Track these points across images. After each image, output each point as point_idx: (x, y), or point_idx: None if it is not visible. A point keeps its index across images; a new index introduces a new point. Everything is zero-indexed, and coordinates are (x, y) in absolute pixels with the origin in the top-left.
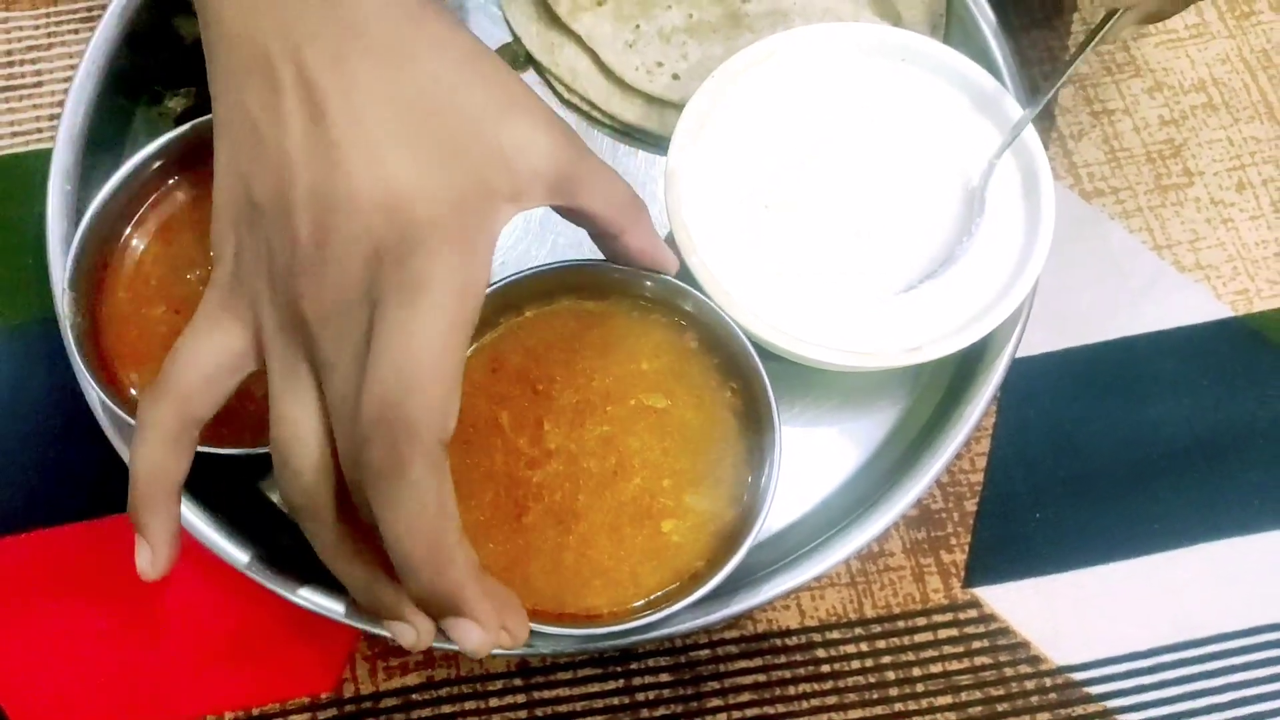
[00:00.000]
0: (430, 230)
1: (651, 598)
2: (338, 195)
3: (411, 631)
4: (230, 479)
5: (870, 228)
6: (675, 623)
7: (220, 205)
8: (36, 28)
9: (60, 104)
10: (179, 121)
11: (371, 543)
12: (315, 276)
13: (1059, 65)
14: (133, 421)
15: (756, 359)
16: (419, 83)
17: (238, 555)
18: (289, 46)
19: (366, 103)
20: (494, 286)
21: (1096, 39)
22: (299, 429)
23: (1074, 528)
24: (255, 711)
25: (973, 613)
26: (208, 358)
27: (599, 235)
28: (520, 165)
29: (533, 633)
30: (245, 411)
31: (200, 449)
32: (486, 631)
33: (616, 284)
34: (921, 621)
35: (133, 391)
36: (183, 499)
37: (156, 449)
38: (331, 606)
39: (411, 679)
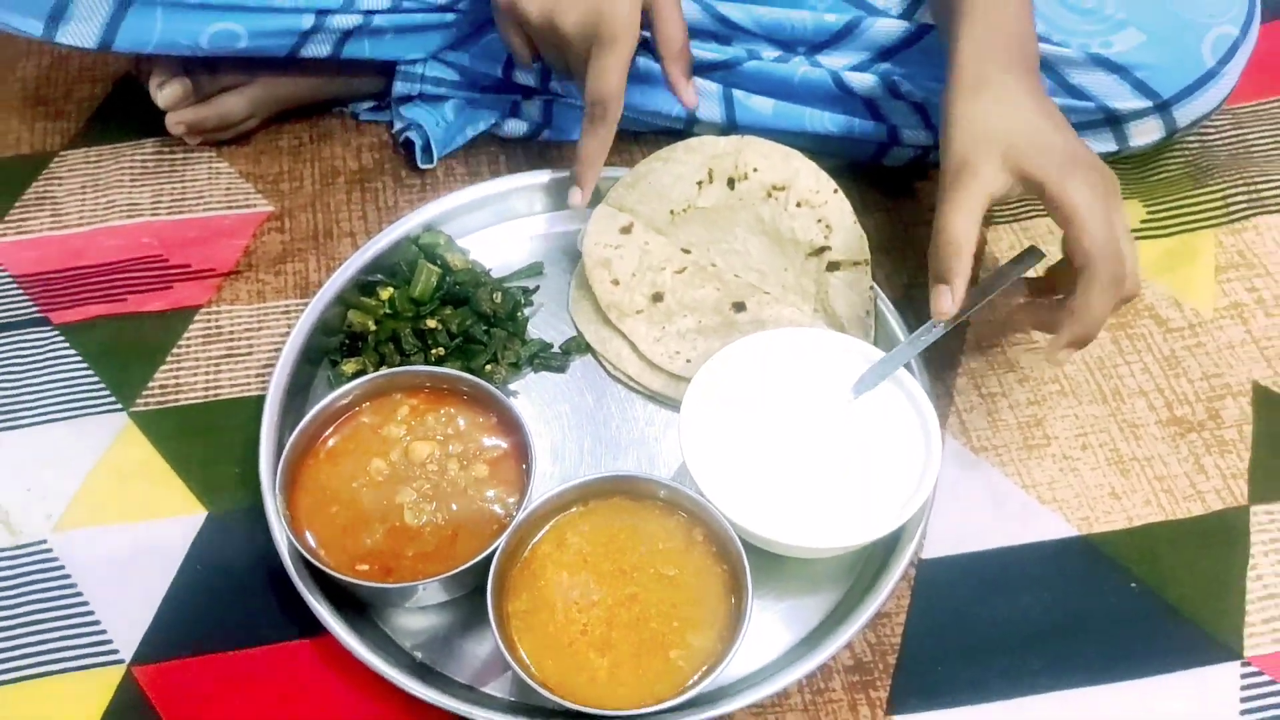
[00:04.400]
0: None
1: (660, 702)
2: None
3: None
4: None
5: (818, 457)
6: (675, 715)
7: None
8: (251, 315)
9: (265, 366)
10: (349, 380)
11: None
12: None
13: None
14: (330, 571)
15: (741, 549)
16: None
17: (388, 670)
18: None
19: None
20: (565, 488)
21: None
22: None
23: (967, 680)
24: None
25: None
26: None
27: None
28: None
29: (576, 714)
30: (404, 557)
31: (365, 583)
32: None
33: (643, 488)
34: None
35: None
36: (347, 629)
37: None
38: (465, 709)
39: None
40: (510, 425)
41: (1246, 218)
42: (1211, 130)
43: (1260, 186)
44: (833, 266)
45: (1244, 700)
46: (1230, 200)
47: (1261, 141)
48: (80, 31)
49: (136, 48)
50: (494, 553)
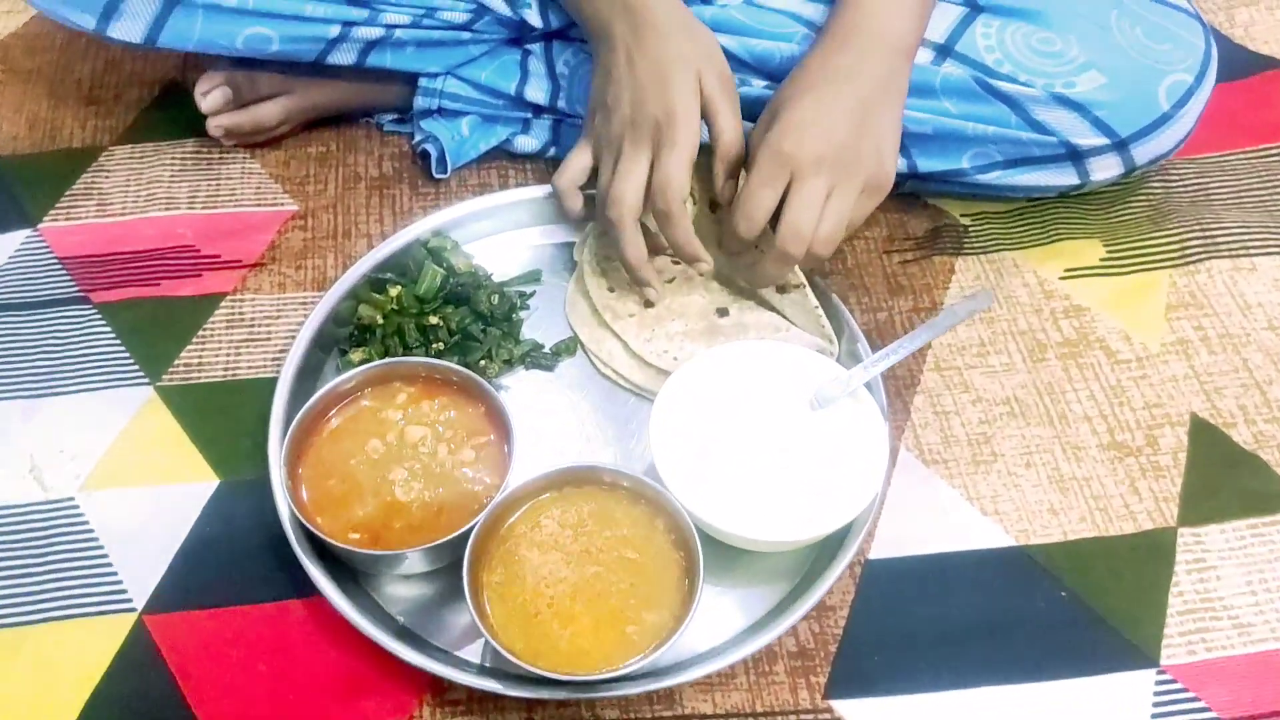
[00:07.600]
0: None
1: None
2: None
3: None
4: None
5: (774, 461)
6: (626, 685)
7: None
8: (271, 304)
9: (281, 351)
10: (354, 368)
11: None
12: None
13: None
14: (324, 537)
15: (697, 539)
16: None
17: (372, 629)
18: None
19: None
20: (542, 475)
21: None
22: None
23: (901, 671)
24: None
25: (826, 716)
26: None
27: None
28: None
29: (540, 678)
30: (392, 529)
31: (355, 549)
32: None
33: (612, 479)
34: (793, 718)
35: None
36: (337, 592)
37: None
38: (439, 669)
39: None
40: (496, 416)
41: (1200, 261)
42: (1175, 176)
43: (1215, 232)
44: (781, 289)
45: (1156, 704)
46: (1186, 243)
47: (1220, 190)
48: (128, 28)
49: (178, 45)
50: (473, 528)
